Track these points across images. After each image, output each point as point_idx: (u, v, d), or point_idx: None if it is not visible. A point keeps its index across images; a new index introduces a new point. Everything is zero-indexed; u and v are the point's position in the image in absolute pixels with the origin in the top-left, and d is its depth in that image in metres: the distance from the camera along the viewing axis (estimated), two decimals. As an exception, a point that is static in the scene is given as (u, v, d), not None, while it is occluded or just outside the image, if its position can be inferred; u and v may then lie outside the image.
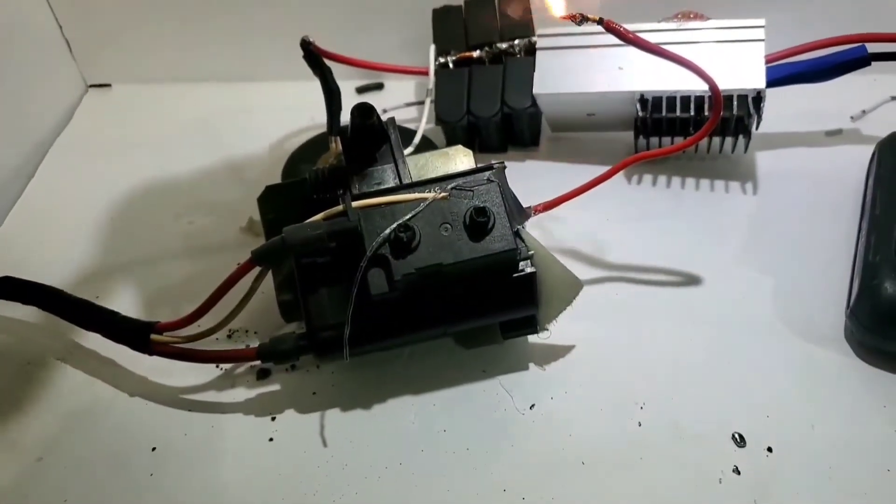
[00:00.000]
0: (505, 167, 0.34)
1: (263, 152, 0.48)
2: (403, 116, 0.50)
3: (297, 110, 0.50)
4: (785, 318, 0.36)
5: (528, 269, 0.32)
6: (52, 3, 0.52)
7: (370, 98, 0.52)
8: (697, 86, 0.38)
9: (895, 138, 0.41)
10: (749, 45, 0.41)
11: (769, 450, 0.32)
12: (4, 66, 0.47)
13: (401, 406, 0.34)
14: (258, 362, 0.35)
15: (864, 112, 0.47)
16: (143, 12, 0.52)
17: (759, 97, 0.40)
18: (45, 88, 0.52)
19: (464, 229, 0.31)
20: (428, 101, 0.45)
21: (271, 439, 0.33)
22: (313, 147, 0.46)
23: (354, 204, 0.32)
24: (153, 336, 0.34)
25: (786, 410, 0.33)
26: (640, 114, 0.42)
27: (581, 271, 0.38)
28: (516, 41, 0.45)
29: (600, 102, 0.43)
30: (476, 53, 0.46)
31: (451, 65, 0.46)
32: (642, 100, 0.42)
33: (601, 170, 0.37)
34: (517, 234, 0.32)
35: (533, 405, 0.34)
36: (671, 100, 0.41)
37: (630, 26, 0.40)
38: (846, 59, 0.42)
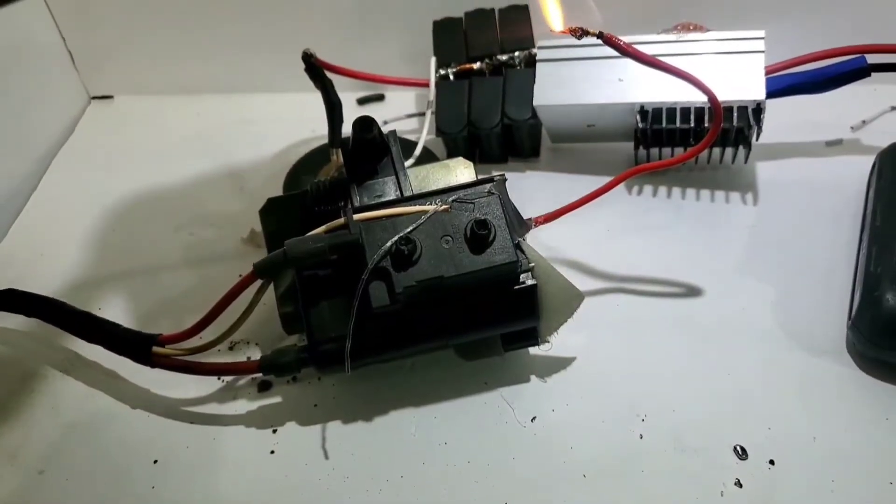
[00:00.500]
0: (505, 179, 0.34)
1: (265, 164, 0.48)
2: (404, 128, 0.51)
3: (298, 122, 0.50)
4: (786, 329, 0.36)
5: (530, 282, 0.32)
6: (56, 15, 0.52)
7: (371, 109, 0.53)
8: (697, 97, 0.37)
9: (895, 149, 0.41)
10: (749, 56, 0.41)
11: (771, 462, 0.32)
12: (8, 79, 0.47)
13: (402, 418, 0.34)
14: (259, 375, 0.35)
15: (864, 122, 0.48)
16: (145, 24, 0.53)
17: (759, 108, 0.40)
18: (47, 100, 0.52)
19: (465, 242, 0.31)
20: (429, 112, 0.45)
21: (273, 451, 0.33)
22: (315, 158, 0.46)
23: (356, 216, 0.32)
24: (155, 348, 0.34)
25: (787, 423, 0.33)
26: (640, 125, 0.42)
27: (582, 282, 0.38)
28: (516, 53, 0.45)
29: (600, 114, 0.43)
30: (476, 65, 0.46)
31: (451, 76, 0.46)
32: (642, 111, 0.42)
33: (601, 180, 0.37)
34: (518, 247, 0.32)
35: (534, 417, 0.34)
36: (671, 111, 0.42)
37: (629, 38, 0.41)
38: (846, 70, 0.42)
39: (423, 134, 0.43)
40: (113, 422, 0.35)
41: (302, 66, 0.39)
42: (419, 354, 0.35)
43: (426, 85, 0.46)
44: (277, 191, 0.45)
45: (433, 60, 0.46)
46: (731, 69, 0.41)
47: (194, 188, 0.47)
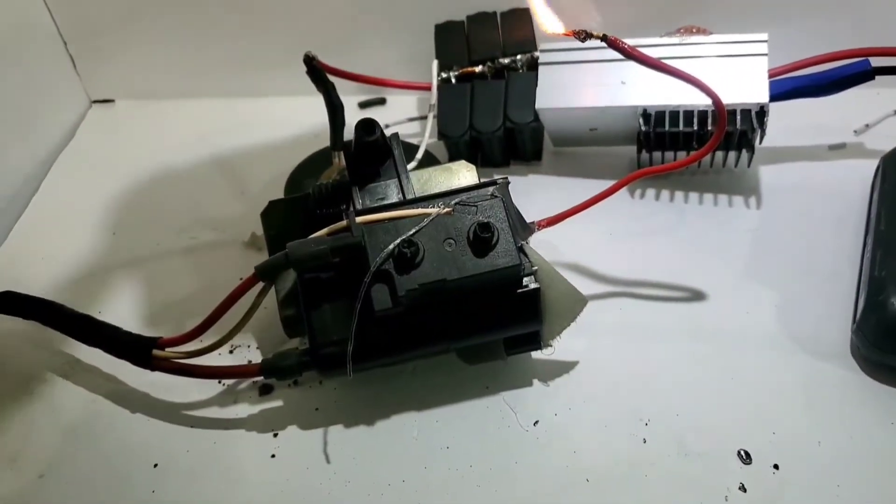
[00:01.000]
0: (508, 182, 0.34)
1: (266, 167, 0.48)
2: (406, 131, 0.51)
3: (299, 125, 0.50)
4: (790, 333, 0.36)
5: (533, 285, 0.32)
6: (57, 20, 0.52)
7: (373, 113, 0.53)
8: (700, 100, 0.38)
9: (899, 153, 0.41)
10: (752, 59, 0.41)
11: (775, 467, 0.32)
12: (9, 83, 0.47)
13: (404, 422, 0.34)
14: (261, 378, 0.35)
15: (867, 126, 0.47)
16: (146, 28, 0.53)
17: (762, 112, 0.40)
18: (49, 104, 0.52)
19: (467, 245, 0.31)
20: (431, 116, 0.45)
21: (273, 455, 0.33)
22: (316, 162, 0.46)
23: (358, 219, 0.32)
24: (155, 351, 0.33)
25: (792, 427, 0.33)
26: (643, 128, 0.42)
27: (585, 286, 0.38)
28: (518, 56, 0.45)
29: (603, 117, 0.43)
30: (478, 68, 0.46)
31: (453, 80, 0.46)
32: (645, 114, 0.42)
33: (604, 184, 0.36)
34: (521, 250, 0.32)
35: (537, 422, 0.34)
36: (674, 114, 0.42)
37: (632, 41, 0.41)
38: (850, 73, 0.42)
39: (426, 137, 0.43)
40: (113, 426, 0.35)
41: (303, 69, 0.39)
42: (421, 358, 0.35)
43: (428, 88, 0.46)
44: (279, 194, 0.44)
45: (435, 64, 0.46)
46: (734, 72, 0.40)
47: (195, 191, 0.47)
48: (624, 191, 0.43)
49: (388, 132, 0.36)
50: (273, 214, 0.37)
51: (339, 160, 0.41)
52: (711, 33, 0.43)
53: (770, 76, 0.41)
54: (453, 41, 0.47)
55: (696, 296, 0.38)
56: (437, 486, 0.32)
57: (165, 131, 0.53)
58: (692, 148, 0.42)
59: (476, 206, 0.32)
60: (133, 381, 0.36)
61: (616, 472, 0.32)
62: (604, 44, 0.32)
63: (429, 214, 0.31)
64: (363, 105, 0.54)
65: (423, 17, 0.48)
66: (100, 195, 0.47)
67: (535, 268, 0.32)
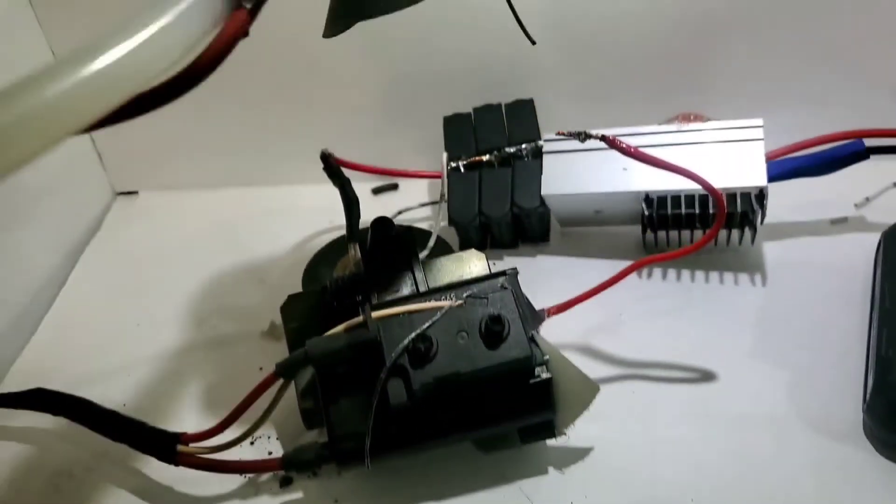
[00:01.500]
0: (517, 273, 0.36)
1: (284, 255, 0.50)
2: (418, 216, 0.52)
3: (316, 212, 0.52)
4: (802, 413, 0.37)
5: (545, 375, 0.33)
6: None
7: (385, 198, 0.55)
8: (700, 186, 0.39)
9: (899, 229, 0.42)
10: (749, 144, 0.42)
11: (793, 552, 0.32)
12: (38, 178, 0.50)
13: (422, 512, 0.34)
14: (281, 471, 0.36)
15: (867, 199, 0.49)
16: (169, 122, 0.54)
17: (761, 194, 0.42)
18: (76, 197, 0.54)
19: (479, 337, 0.32)
20: (441, 204, 0.46)
21: (294, 549, 0.34)
22: (333, 250, 0.47)
23: (374, 314, 0.33)
24: (179, 447, 0.34)
25: (807, 510, 0.33)
26: (647, 211, 0.43)
27: (595, 369, 0.39)
28: (524, 145, 0.47)
29: (607, 201, 0.45)
30: (486, 157, 0.48)
31: (462, 168, 0.48)
32: (647, 199, 0.43)
33: (611, 263, 0.38)
34: (532, 340, 0.33)
35: (554, 509, 0.34)
36: (675, 197, 0.43)
37: (631, 129, 0.43)
38: (845, 154, 0.43)
39: (437, 225, 0.45)
40: (137, 521, 0.35)
41: (318, 157, 0.41)
42: (437, 448, 0.35)
43: (438, 177, 0.48)
44: (296, 282, 0.46)
45: (445, 155, 0.48)
46: (732, 157, 0.42)
47: (216, 281, 0.49)
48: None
49: (400, 219, 0.37)
50: (292, 308, 0.38)
51: (355, 251, 0.42)
52: (709, 119, 0.44)
53: (768, 158, 0.42)
54: (461, 132, 0.49)
55: (706, 376, 0.39)
56: (457, 579, 0.32)
57: (187, 221, 0.55)
58: (695, 227, 0.43)
59: (487, 297, 0.33)
60: (158, 476, 0.37)
61: (634, 561, 0.32)
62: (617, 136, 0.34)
63: (441, 308, 0.33)
64: (376, 191, 0.56)
65: (433, 109, 0.50)
66: (124, 287, 0.49)
67: (547, 357, 0.33)
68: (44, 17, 0.51)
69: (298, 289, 0.45)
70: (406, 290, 0.37)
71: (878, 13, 0.48)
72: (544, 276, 0.46)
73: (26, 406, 0.39)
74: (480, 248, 0.47)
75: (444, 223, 0.47)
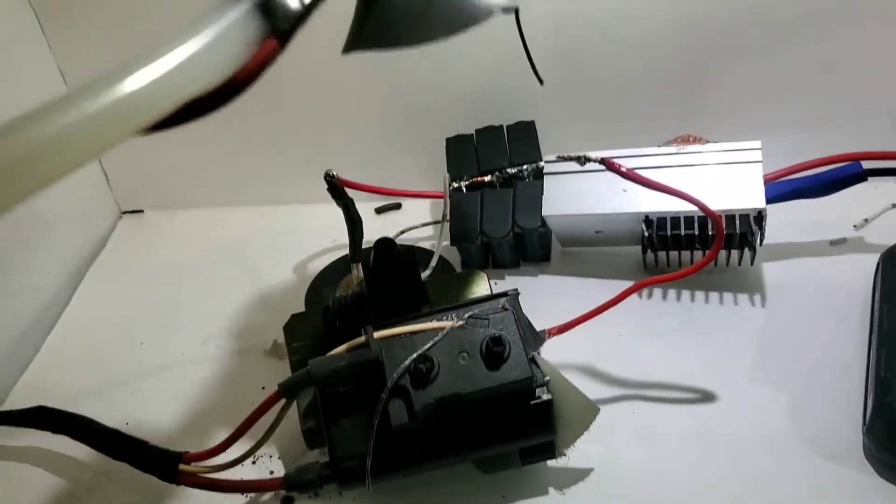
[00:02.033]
0: (518, 294, 0.36)
1: (287, 274, 0.50)
2: (420, 235, 0.53)
3: (319, 231, 0.52)
4: (801, 435, 0.37)
5: (545, 396, 0.33)
6: None
7: (388, 217, 0.55)
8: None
9: (896, 251, 0.42)
10: (747, 166, 0.42)
11: (793, 575, 0.31)
12: (44, 197, 0.50)
13: (422, 533, 0.34)
14: (283, 490, 0.36)
15: (866, 220, 0.49)
16: (174, 142, 0.55)
17: (760, 216, 0.42)
18: (81, 217, 0.55)
19: (480, 358, 0.32)
20: (443, 224, 0.47)
21: (295, 569, 0.34)
22: (335, 270, 0.47)
23: (376, 334, 0.33)
24: (182, 466, 0.34)
25: (808, 532, 0.33)
26: (646, 232, 0.44)
27: (596, 390, 0.40)
28: (525, 166, 0.48)
29: (607, 222, 0.45)
30: (487, 178, 0.48)
31: (464, 189, 0.48)
32: (647, 220, 0.43)
33: (612, 283, 0.38)
34: (533, 361, 0.33)
35: (554, 531, 0.34)
36: (675, 219, 0.43)
37: (631, 151, 0.43)
38: (843, 176, 0.44)
39: (439, 244, 0.45)
40: (138, 540, 0.36)
41: (322, 178, 0.41)
42: (438, 469, 0.36)
43: (440, 197, 0.48)
44: (299, 301, 0.46)
45: (447, 177, 0.48)
46: (730, 179, 0.42)
47: (219, 299, 0.49)
48: (632, 292, 0.45)
49: (403, 238, 0.37)
50: (294, 327, 0.39)
51: (358, 271, 0.43)
52: (707, 142, 0.45)
53: (767, 180, 0.43)
54: (463, 153, 0.49)
55: (707, 398, 0.39)
56: None
57: (192, 240, 0.55)
58: (695, 248, 0.44)
59: (488, 318, 0.33)
60: (159, 494, 0.37)
61: (634, 583, 0.32)
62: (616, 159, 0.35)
63: (443, 328, 0.33)
64: (380, 210, 0.56)
65: (436, 131, 0.50)
66: (128, 305, 0.50)
67: (548, 378, 0.33)
68: (55, 42, 0.52)
69: (302, 308, 0.45)
70: (408, 310, 0.37)
71: (875, 36, 0.48)
72: (545, 296, 0.46)
73: (28, 424, 0.39)
74: (482, 267, 0.48)
75: (447, 243, 0.47)
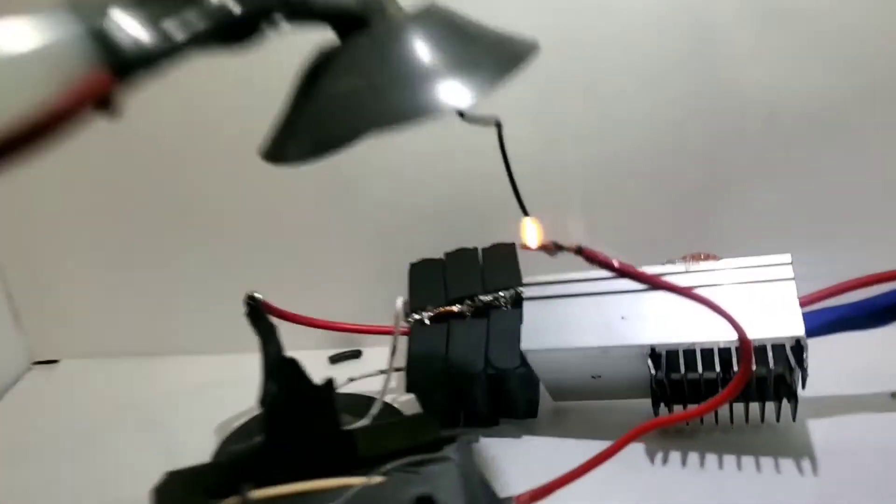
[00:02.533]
0: (475, 441, 0.27)
1: (200, 430, 0.43)
2: (375, 386, 0.43)
3: (249, 385, 0.44)
4: None
5: None
6: (5, 271, 0.51)
7: (346, 367, 0.48)
8: (719, 335, 0.33)
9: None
10: (777, 284, 0.35)
11: None
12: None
13: None
14: None
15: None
16: (95, 288, 0.52)
17: (799, 346, 0.33)
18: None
19: (402, 530, 0.22)
20: (390, 361, 0.38)
21: None
22: (254, 426, 0.39)
23: (258, 493, 0.23)
24: None
25: None
26: (654, 373, 0.35)
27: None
28: (502, 293, 0.40)
29: (603, 360, 0.36)
30: (457, 307, 0.41)
31: (427, 321, 0.40)
32: (654, 355, 0.35)
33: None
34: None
35: None
36: (690, 354, 0.35)
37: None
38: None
39: (384, 389, 0.36)
40: None
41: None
42: None
43: (391, 333, 0.39)
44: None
45: (399, 301, 0.40)
46: (757, 301, 0.34)
47: (122, 458, 0.42)
48: (642, 455, 0.36)
49: (350, 387, 0.29)
50: (169, 488, 0.29)
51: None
52: (721, 259, 0.37)
53: (801, 305, 0.34)
54: (430, 279, 0.43)
55: None
56: None
57: (105, 393, 0.49)
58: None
59: (418, 472, 0.23)
60: None
61: None
62: (598, 274, 0.27)
63: (351, 486, 0.23)
64: (334, 359, 0.49)
65: (399, 259, 0.44)
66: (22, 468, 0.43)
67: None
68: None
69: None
70: (325, 463, 0.27)
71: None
72: (529, 462, 0.37)
73: None
74: (451, 424, 0.39)
75: (396, 393, 0.39)
